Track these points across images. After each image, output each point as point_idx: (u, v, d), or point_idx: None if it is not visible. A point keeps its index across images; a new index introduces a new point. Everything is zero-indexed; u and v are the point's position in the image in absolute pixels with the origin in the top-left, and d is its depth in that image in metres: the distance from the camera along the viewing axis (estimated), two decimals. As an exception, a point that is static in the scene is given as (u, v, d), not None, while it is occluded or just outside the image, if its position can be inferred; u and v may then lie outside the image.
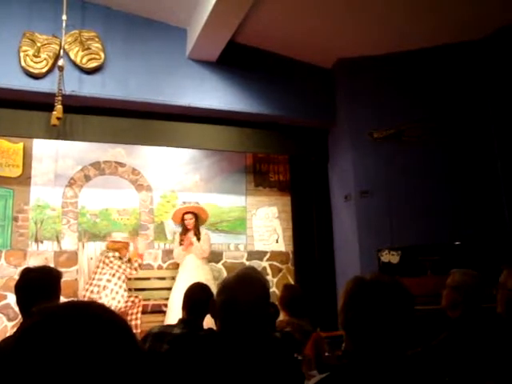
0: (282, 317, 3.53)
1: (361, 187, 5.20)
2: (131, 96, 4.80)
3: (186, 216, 5.54)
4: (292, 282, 6.06)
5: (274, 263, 6.38)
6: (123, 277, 5.15)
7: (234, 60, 5.14)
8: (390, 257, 4.77)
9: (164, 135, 5.23)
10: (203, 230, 5.63)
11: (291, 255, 6.33)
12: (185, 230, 5.54)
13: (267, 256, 6.39)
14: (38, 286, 2.21)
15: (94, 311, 0.71)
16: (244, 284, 1.77)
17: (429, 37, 4.91)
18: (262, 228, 6.48)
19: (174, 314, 4.77)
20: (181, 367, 1.70)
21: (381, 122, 5.20)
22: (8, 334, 4.98)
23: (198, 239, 5.42)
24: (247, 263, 6.27)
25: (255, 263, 6.29)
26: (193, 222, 5.50)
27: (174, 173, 6.29)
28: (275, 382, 1.67)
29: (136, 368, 0.68)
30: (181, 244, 5.52)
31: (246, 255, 6.35)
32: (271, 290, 5.83)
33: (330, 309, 4.65)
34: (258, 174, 6.55)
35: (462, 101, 5.08)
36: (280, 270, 6.37)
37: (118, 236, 5.48)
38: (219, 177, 6.42)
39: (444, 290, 2.57)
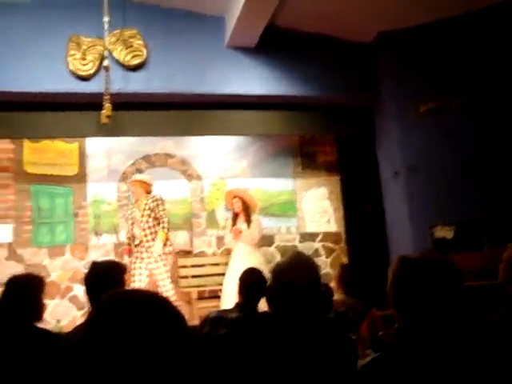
0: (337, 296, 3.57)
1: (409, 163, 5.10)
2: (175, 89, 4.90)
3: (234, 200, 5.53)
4: (346, 262, 6.05)
5: (327, 244, 6.39)
6: None
7: (273, 44, 5.12)
8: (445, 232, 4.68)
9: (210, 125, 5.32)
10: (254, 215, 5.59)
11: (343, 235, 6.31)
12: (235, 216, 5.56)
13: (319, 237, 6.41)
14: (105, 278, 2.35)
15: (151, 298, 0.79)
16: (295, 268, 1.81)
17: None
18: (312, 210, 6.49)
19: (228, 300, 4.87)
20: (237, 350, 1.78)
21: (426, 95, 5.06)
22: (78, 322, 5.29)
23: (249, 225, 5.41)
24: (299, 245, 6.32)
25: (308, 245, 6.32)
26: (240, 207, 5.46)
27: (222, 160, 6.39)
28: (328, 363, 1.71)
29: (184, 349, 0.75)
30: (231, 230, 5.61)
31: (297, 237, 6.39)
32: (325, 271, 5.89)
33: (384, 287, 4.61)
34: (305, 157, 6.54)
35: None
36: (333, 251, 6.37)
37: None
38: (266, 161, 6.46)
39: (501, 264, 2.51)
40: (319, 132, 5.94)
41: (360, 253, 5.63)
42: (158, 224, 5.12)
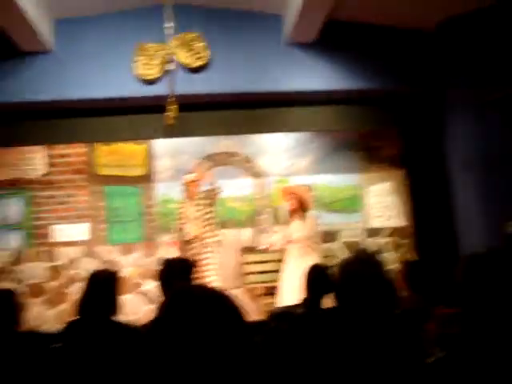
0: (403, 293, 3.50)
1: (478, 154, 4.88)
2: (237, 88, 4.98)
3: (289, 197, 5.47)
4: (413, 257, 5.90)
5: (394, 239, 6.25)
6: None
7: (333, 38, 5.05)
8: (518, 227, 4.44)
9: (272, 122, 5.36)
10: (310, 213, 5.45)
11: (411, 230, 6.15)
12: (290, 213, 5.46)
13: (386, 232, 6.29)
14: (176, 273, 2.46)
15: (214, 293, 0.85)
16: (362, 263, 1.81)
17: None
18: (377, 204, 6.38)
19: (284, 299, 4.92)
20: (302, 345, 1.80)
21: (495, 83, 4.80)
22: (149, 317, 5.52)
23: (305, 220, 5.30)
24: (365, 241, 6.23)
25: (374, 240, 6.22)
26: (294, 204, 5.38)
27: (285, 157, 6.42)
28: (395, 359, 1.69)
29: (242, 342, 0.80)
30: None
31: (363, 233, 6.30)
32: (392, 267, 5.76)
33: (453, 284, 4.46)
34: (369, 151, 6.43)
35: None
36: (400, 246, 6.23)
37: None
38: (329, 157, 6.41)
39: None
40: (382, 126, 5.81)
41: (428, 248, 5.46)
42: (214, 218, 5.34)
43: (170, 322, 0.79)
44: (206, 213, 5.28)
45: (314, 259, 5.09)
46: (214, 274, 5.26)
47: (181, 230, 5.42)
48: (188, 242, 5.32)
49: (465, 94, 5.01)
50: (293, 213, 5.41)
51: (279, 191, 5.96)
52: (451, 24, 5.04)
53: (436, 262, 4.92)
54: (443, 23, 5.08)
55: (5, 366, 1.79)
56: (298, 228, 5.30)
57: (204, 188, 5.45)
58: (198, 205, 5.32)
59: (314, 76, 5.07)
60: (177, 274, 2.48)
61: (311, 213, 5.51)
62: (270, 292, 5.92)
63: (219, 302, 0.83)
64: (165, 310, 0.82)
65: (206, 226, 5.27)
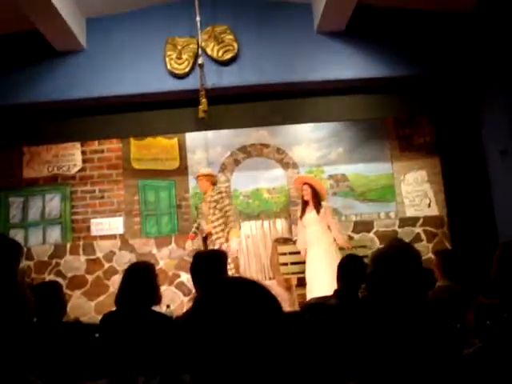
0: (441, 283, 3.45)
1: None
2: (267, 79, 4.96)
3: (304, 187, 5.37)
4: (448, 247, 5.80)
5: (428, 228, 6.15)
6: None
7: (362, 25, 4.95)
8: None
9: (303, 112, 5.33)
10: (324, 203, 5.39)
11: (446, 219, 6.05)
12: (304, 203, 5.39)
13: (420, 221, 6.19)
14: (208, 266, 2.50)
15: (252, 285, 0.87)
16: (396, 253, 1.80)
17: None
18: (412, 193, 6.28)
19: (312, 289, 4.93)
20: (335, 336, 1.81)
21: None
22: (184, 308, 5.62)
23: (318, 212, 5.23)
24: (399, 230, 6.15)
25: (408, 230, 6.14)
26: (309, 194, 5.30)
27: (318, 147, 6.39)
28: (431, 350, 1.68)
29: (280, 333, 0.81)
30: (300, 216, 5.44)
31: (397, 222, 6.22)
32: (427, 257, 5.69)
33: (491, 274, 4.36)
34: (402, 139, 6.33)
35: None
36: (435, 235, 6.12)
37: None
38: (362, 146, 6.35)
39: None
40: (415, 113, 5.70)
41: (465, 237, 5.35)
42: (224, 216, 5.21)
43: (211, 313, 0.81)
44: (214, 213, 5.22)
45: (328, 242, 5.08)
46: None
47: (199, 224, 5.47)
48: (204, 237, 5.36)
49: (503, 78, 4.85)
50: (307, 203, 5.34)
51: (294, 180, 5.85)
52: (489, 4, 4.83)
53: (473, 251, 4.84)
54: (481, 3, 4.88)
55: (52, 354, 1.86)
56: (313, 220, 5.26)
57: (216, 187, 5.42)
58: (210, 202, 5.29)
59: (345, 65, 5.01)
60: (209, 267, 2.51)
61: (325, 203, 5.43)
62: (303, 283, 5.93)
63: (258, 292, 0.84)
64: (204, 302, 0.84)
65: (215, 225, 5.23)
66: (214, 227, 5.23)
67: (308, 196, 5.31)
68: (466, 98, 5.33)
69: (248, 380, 0.77)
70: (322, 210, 5.23)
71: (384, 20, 5.03)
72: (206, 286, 0.89)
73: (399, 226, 6.20)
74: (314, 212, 5.24)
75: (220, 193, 5.31)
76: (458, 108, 5.35)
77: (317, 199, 5.29)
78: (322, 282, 4.84)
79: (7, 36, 4.81)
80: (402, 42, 5.01)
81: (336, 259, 5.18)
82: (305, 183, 5.38)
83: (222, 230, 5.21)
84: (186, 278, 5.94)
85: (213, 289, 0.85)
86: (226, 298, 0.82)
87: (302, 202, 5.47)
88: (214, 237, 5.23)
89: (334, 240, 5.27)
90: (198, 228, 5.49)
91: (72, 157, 6.24)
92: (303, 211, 5.35)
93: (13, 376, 0.82)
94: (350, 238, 6.17)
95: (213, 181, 5.44)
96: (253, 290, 0.86)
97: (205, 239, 5.36)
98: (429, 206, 6.22)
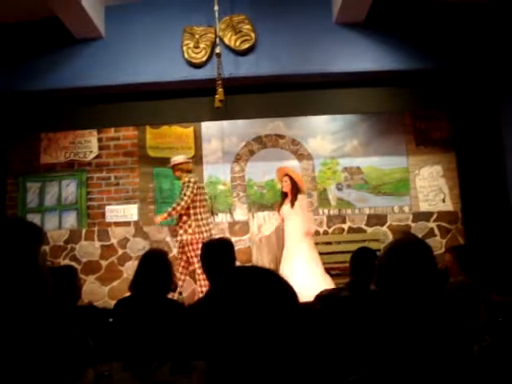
0: (456, 279, 3.45)
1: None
2: (284, 70, 4.94)
3: (284, 179, 5.42)
4: (462, 243, 5.77)
5: (442, 224, 6.12)
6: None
7: (383, 16, 4.90)
8: None
9: (319, 104, 5.31)
10: (302, 196, 5.41)
11: (460, 214, 6.01)
12: (284, 195, 5.44)
13: (434, 217, 6.15)
14: (217, 254, 2.52)
15: (268, 274, 0.88)
16: (409, 247, 1.80)
17: None
18: (426, 188, 6.24)
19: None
20: (345, 327, 1.82)
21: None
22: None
23: (292, 205, 5.27)
24: (413, 225, 6.13)
25: (421, 224, 6.12)
26: (288, 185, 5.35)
27: (333, 139, 6.37)
28: (442, 345, 1.69)
29: (295, 322, 0.83)
30: (278, 209, 5.49)
31: (411, 217, 6.20)
32: (440, 252, 5.66)
33: (507, 271, 4.33)
34: (418, 133, 6.28)
35: None
36: (449, 231, 6.09)
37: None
38: (378, 139, 6.32)
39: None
40: (432, 107, 5.64)
41: (479, 233, 5.31)
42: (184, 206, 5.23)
43: (228, 301, 0.83)
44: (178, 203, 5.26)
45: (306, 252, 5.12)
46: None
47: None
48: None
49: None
50: (286, 195, 5.40)
51: (275, 171, 5.83)
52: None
53: (487, 248, 4.80)
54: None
55: (67, 337, 1.91)
56: (289, 212, 5.29)
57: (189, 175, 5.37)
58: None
59: (362, 57, 4.96)
60: (218, 255, 2.54)
61: (303, 196, 5.46)
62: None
63: (274, 281, 0.86)
64: (222, 290, 0.86)
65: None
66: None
67: (287, 188, 5.36)
68: (484, 93, 5.25)
69: (263, 368, 0.79)
70: (296, 203, 5.26)
71: (402, 12, 4.97)
72: (217, 274, 0.91)
73: (413, 221, 6.18)
74: (289, 205, 5.32)
75: (184, 183, 5.29)
76: (477, 103, 5.28)
77: (295, 192, 5.33)
78: (297, 273, 4.92)
79: (27, 23, 4.86)
80: (421, 34, 4.94)
81: (313, 251, 5.25)
82: (285, 174, 5.42)
83: (179, 222, 5.29)
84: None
85: (230, 277, 0.87)
86: (242, 286, 0.84)
87: (281, 194, 5.52)
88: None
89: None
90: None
91: (88, 143, 6.30)
92: (282, 203, 5.41)
93: (34, 355, 0.85)
94: (363, 230, 6.18)
95: (185, 168, 5.43)
96: (269, 278, 0.87)
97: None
98: (443, 201, 6.19)
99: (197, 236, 5.20)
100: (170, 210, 5.25)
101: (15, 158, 6.18)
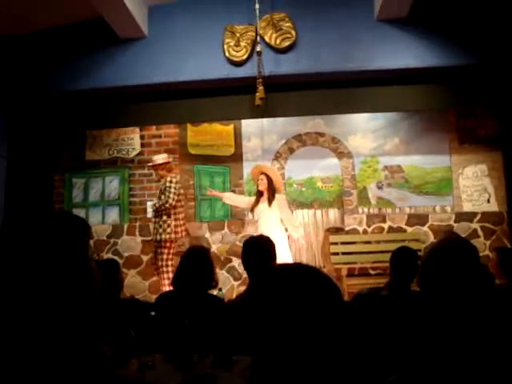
0: (498, 282, 3.36)
1: None
2: (324, 68, 4.92)
3: (260, 177, 5.25)
4: (508, 245, 5.60)
5: (486, 225, 5.96)
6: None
7: (424, 12, 4.81)
8: None
9: (360, 101, 5.25)
10: (280, 196, 5.25)
11: (506, 215, 5.83)
12: (259, 193, 5.26)
13: (478, 217, 6.00)
14: (257, 250, 2.54)
15: (315, 271, 0.90)
16: (452, 248, 1.77)
17: None
18: (470, 188, 6.09)
19: None
20: (385, 326, 1.81)
21: None
22: (234, 292, 5.73)
23: (270, 204, 5.11)
24: (455, 225, 5.99)
25: (464, 225, 5.97)
26: (265, 184, 5.18)
27: (373, 137, 6.31)
28: (485, 348, 1.65)
29: (340, 320, 0.84)
30: (252, 208, 5.33)
31: (453, 217, 6.06)
32: (483, 254, 5.52)
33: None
34: (462, 131, 6.13)
35: None
36: (493, 232, 5.92)
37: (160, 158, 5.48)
38: (420, 137, 6.21)
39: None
40: (477, 105, 5.47)
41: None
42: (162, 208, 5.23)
43: (275, 297, 0.84)
44: (159, 198, 5.28)
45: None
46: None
47: None
48: None
49: None
50: (262, 194, 5.24)
51: (251, 169, 5.63)
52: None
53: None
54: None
55: (110, 328, 1.97)
56: (265, 211, 5.15)
57: (171, 176, 5.37)
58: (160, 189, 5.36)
59: (405, 54, 4.88)
60: (259, 253, 2.55)
61: (280, 195, 5.29)
62: (353, 273, 5.91)
63: (320, 278, 0.87)
64: (268, 287, 0.87)
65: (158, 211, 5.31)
66: (155, 216, 5.34)
67: (263, 187, 5.21)
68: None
69: (308, 364, 0.80)
70: (274, 202, 5.12)
71: (444, 7, 4.85)
72: (258, 272, 0.93)
73: (455, 221, 6.04)
74: (266, 203, 5.15)
75: (165, 183, 5.29)
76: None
77: (271, 191, 5.18)
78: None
79: (73, 25, 5.02)
80: (463, 29, 4.81)
81: (286, 252, 5.07)
82: (262, 173, 5.28)
83: (160, 221, 5.26)
84: (237, 263, 6.05)
85: (275, 274, 0.88)
86: (289, 283, 0.85)
87: (256, 193, 5.35)
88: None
89: (287, 231, 5.20)
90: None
91: (131, 141, 6.45)
92: (257, 202, 5.25)
93: (84, 343, 0.89)
94: (404, 230, 6.08)
95: (166, 168, 5.43)
96: (315, 275, 0.88)
97: None
98: (488, 201, 6.02)
99: (173, 236, 5.24)
100: (157, 206, 5.27)
101: (62, 155, 6.40)
